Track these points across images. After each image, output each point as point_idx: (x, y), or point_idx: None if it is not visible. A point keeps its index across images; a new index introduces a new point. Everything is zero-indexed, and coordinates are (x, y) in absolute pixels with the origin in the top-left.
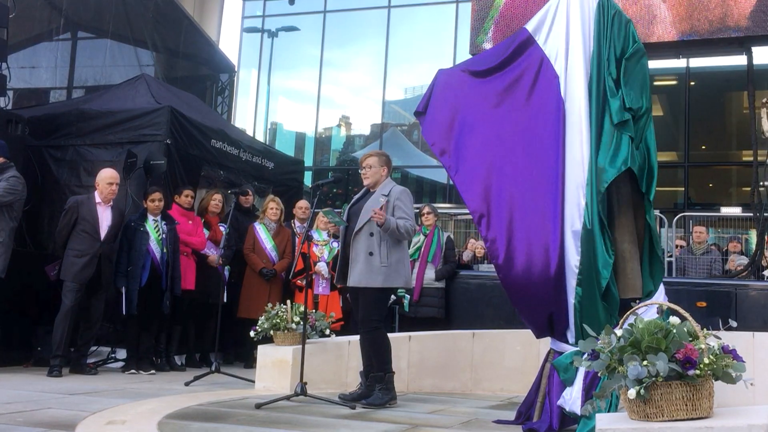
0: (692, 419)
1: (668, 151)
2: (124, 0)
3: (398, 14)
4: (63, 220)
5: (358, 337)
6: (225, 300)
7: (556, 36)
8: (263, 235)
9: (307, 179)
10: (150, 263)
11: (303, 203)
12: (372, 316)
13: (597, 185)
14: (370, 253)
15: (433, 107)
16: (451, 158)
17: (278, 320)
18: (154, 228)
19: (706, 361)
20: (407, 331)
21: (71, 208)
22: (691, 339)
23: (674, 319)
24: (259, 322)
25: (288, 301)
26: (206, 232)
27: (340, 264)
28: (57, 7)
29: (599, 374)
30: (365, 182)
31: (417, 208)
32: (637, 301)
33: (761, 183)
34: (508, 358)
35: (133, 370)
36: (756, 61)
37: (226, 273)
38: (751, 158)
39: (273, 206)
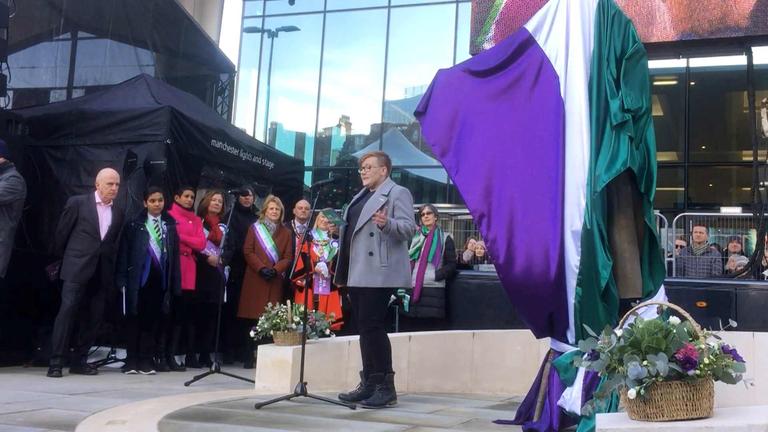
0: (692, 419)
1: (668, 151)
2: (124, 0)
3: (398, 14)
4: (63, 220)
5: (358, 337)
6: (225, 300)
7: (556, 36)
8: (263, 235)
9: (307, 179)
10: (150, 263)
11: (303, 203)
12: (372, 316)
13: (593, 187)
14: (370, 253)
15: (433, 107)
16: (451, 158)
17: (278, 320)
18: (154, 228)
19: (706, 361)
20: (407, 331)
21: (71, 208)
22: (691, 339)
23: (674, 319)
24: (259, 322)
25: (288, 301)
26: (206, 232)
27: (340, 264)
28: (57, 7)
29: (599, 374)
30: (365, 182)
31: (417, 208)
32: (637, 301)
33: (761, 183)
34: (508, 358)
35: (133, 370)
36: (756, 61)
37: (226, 273)
38: (751, 158)
39: (273, 206)
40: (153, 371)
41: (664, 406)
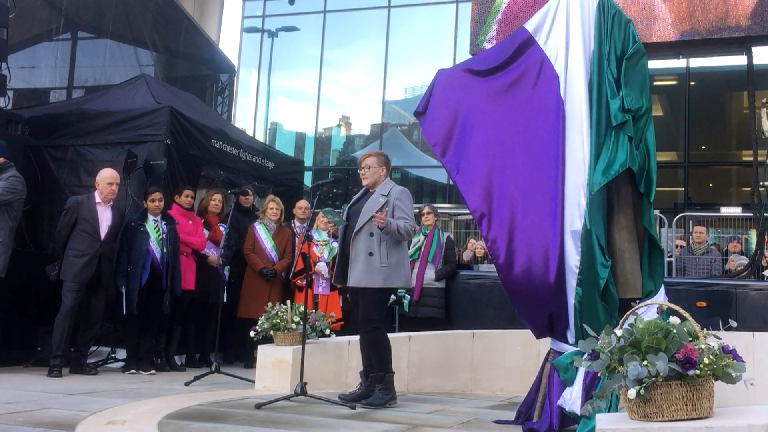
0: (692, 419)
1: (668, 151)
2: (124, 0)
3: (398, 14)
4: (63, 220)
5: (358, 337)
6: (225, 300)
7: (557, 36)
8: (263, 235)
9: (307, 179)
10: (150, 263)
11: (303, 203)
12: (372, 316)
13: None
14: (370, 254)
15: (433, 107)
16: (451, 158)
17: (278, 320)
18: (154, 228)
19: (706, 361)
20: (407, 331)
21: (71, 208)
22: (691, 339)
23: (674, 319)
24: (259, 322)
25: (288, 301)
26: (206, 232)
27: (339, 264)
28: (57, 7)
29: (599, 374)
30: (364, 182)
31: (417, 208)
32: (637, 301)
33: (761, 183)
34: (508, 358)
35: (133, 370)
36: (756, 61)
37: (226, 273)
38: (751, 158)
39: (273, 206)
40: (153, 371)
41: (664, 406)
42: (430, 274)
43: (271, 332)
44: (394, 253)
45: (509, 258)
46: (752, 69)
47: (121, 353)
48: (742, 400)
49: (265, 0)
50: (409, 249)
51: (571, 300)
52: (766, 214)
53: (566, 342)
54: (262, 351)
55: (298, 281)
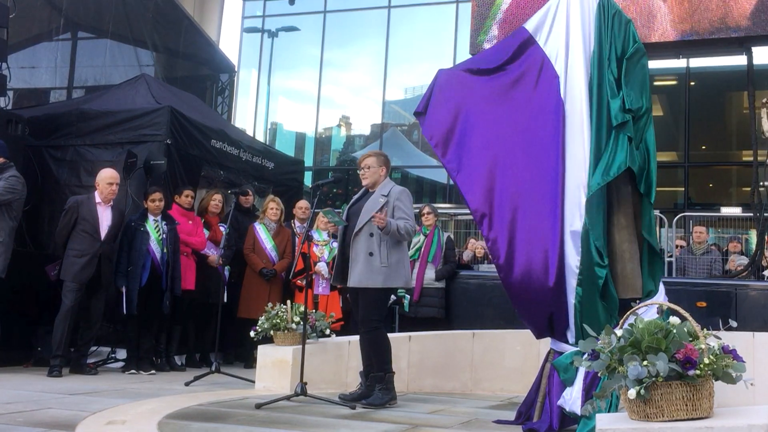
0: (692, 419)
1: (668, 151)
2: (124, 0)
3: (398, 14)
4: (63, 220)
5: (358, 337)
6: (225, 300)
7: (557, 36)
8: (263, 235)
9: (307, 179)
10: (150, 263)
11: (303, 203)
12: (372, 316)
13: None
14: (370, 254)
15: (433, 107)
16: (452, 158)
17: (278, 320)
18: (154, 228)
19: (706, 361)
20: (407, 331)
21: (71, 208)
22: (691, 339)
23: (674, 319)
24: (259, 322)
25: (288, 301)
26: (206, 232)
27: (338, 264)
28: (57, 7)
29: (599, 374)
30: (364, 182)
31: (417, 208)
32: (637, 301)
33: (761, 183)
34: (508, 358)
35: (133, 370)
36: (756, 61)
37: (226, 273)
38: (751, 158)
39: (273, 206)
40: (153, 371)
41: (664, 406)
42: (430, 274)
43: (271, 332)
44: (394, 253)
45: (509, 258)
46: (752, 69)
47: (121, 353)
48: (742, 400)
49: (265, 0)
50: (409, 249)
51: (572, 300)
52: (766, 214)
53: (566, 342)
54: (262, 351)
55: (298, 281)
